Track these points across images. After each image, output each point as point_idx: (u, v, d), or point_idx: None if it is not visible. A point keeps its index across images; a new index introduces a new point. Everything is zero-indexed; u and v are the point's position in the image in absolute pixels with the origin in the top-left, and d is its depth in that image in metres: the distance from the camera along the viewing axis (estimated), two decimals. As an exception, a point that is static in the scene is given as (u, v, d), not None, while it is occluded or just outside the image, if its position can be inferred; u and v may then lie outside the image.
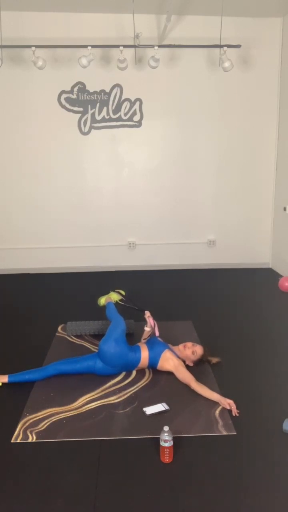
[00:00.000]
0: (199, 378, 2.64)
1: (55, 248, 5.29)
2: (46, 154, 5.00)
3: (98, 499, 1.83)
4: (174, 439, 2.05)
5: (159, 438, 2.03)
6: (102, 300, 3.40)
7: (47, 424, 2.33)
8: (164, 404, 2.47)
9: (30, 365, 2.88)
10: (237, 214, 5.32)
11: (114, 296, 3.41)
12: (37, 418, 2.38)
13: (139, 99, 4.92)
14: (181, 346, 2.87)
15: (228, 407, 2.41)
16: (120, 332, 2.76)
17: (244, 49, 4.76)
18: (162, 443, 2.01)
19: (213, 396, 2.50)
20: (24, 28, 4.59)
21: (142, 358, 2.77)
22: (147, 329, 2.99)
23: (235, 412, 2.38)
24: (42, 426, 2.31)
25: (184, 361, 2.82)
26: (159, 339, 2.96)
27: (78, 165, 5.07)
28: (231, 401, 2.43)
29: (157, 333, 2.98)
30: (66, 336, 3.43)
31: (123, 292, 3.55)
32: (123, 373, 2.83)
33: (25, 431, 2.27)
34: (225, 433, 2.23)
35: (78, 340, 3.37)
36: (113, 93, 4.89)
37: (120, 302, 3.41)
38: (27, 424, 2.33)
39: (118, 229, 5.28)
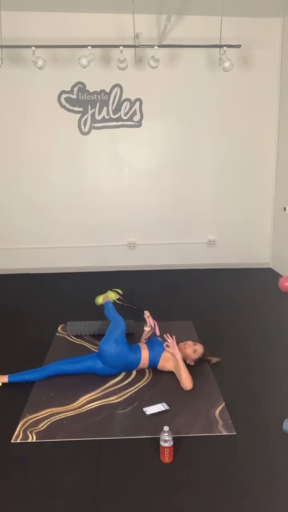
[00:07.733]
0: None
1: (55, 248, 5.29)
2: (46, 154, 5.00)
3: (98, 499, 1.83)
4: (174, 439, 2.05)
5: (159, 438, 2.03)
6: (100, 299, 3.39)
7: (47, 424, 2.33)
8: (164, 404, 2.47)
9: (30, 365, 2.88)
10: (237, 214, 5.32)
11: (111, 295, 3.40)
12: (37, 418, 2.38)
13: (139, 99, 4.92)
14: (181, 345, 2.87)
15: (169, 341, 2.68)
16: (120, 332, 2.76)
17: (244, 49, 4.76)
18: (162, 443, 2.01)
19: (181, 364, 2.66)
20: (24, 28, 4.59)
21: (142, 359, 2.77)
22: (147, 329, 2.99)
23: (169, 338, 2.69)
24: (42, 426, 2.31)
25: (184, 360, 2.82)
26: (159, 339, 2.96)
27: (78, 165, 5.08)
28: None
29: (157, 333, 2.98)
30: (66, 336, 3.43)
31: (120, 291, 3.54)
32: (123, 373, 2.83)
33: (25, 431, 2.27)
34: (225, 433, 2.24)
35: (78, 340, 3.37)
36: (113, 93, 4.89)
37: (118, 302, 3.41)
38: (27, 424, 2.33)
39: (118, 229, 5.28)
